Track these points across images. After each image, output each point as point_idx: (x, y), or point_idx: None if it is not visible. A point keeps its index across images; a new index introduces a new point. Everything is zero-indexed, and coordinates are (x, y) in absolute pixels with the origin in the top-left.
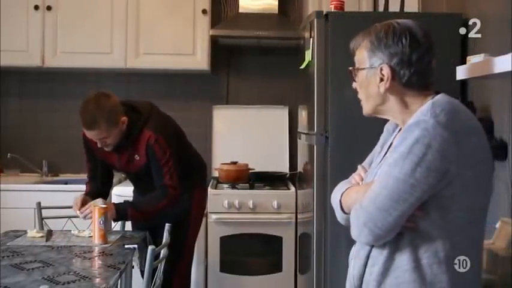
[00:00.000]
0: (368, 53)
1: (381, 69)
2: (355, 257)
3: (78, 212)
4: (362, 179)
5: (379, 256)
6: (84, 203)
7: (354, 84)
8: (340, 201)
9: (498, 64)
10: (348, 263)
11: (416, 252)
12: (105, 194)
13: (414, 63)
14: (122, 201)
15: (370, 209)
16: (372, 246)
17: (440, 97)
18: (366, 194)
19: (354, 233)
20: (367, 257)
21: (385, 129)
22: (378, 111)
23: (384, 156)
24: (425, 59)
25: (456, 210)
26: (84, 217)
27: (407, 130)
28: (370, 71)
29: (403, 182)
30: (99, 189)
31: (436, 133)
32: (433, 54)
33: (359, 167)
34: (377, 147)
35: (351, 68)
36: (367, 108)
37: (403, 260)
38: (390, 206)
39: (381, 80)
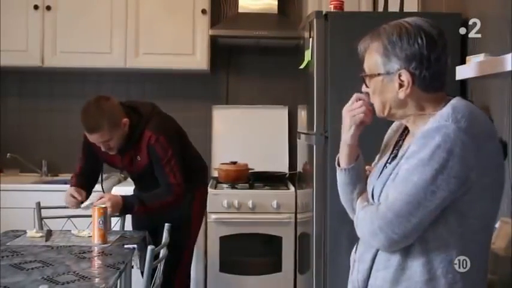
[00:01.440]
0: (382, 59)
1: (400, 75)
2: (359, 260)
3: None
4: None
5: (385, 262)
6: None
7: (366, 89)
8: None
9: (499, 64)
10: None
11: (431, 262)
12: (88, 188)
13: (433, 64)
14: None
15: (388, 214)
16: (378, 250)
17: (458, 101)
18: (382, 199)
19: (365, 236)
20: (372, 261)
21: (390, 129)
22: (392, 115)
23: (390, 155)
24: (442, 59)
25: (472, 217)
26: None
27: (426, 135)
28: (387, 77)
29: (423, 188)
30: (83, 184)
31: (457, 139)
32: (448, 53)
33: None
34: (382, 146)
35: (363, 74)
36: (382, 113)
37: (416, 271)
38: (409, 212)
39: (400, 86)
